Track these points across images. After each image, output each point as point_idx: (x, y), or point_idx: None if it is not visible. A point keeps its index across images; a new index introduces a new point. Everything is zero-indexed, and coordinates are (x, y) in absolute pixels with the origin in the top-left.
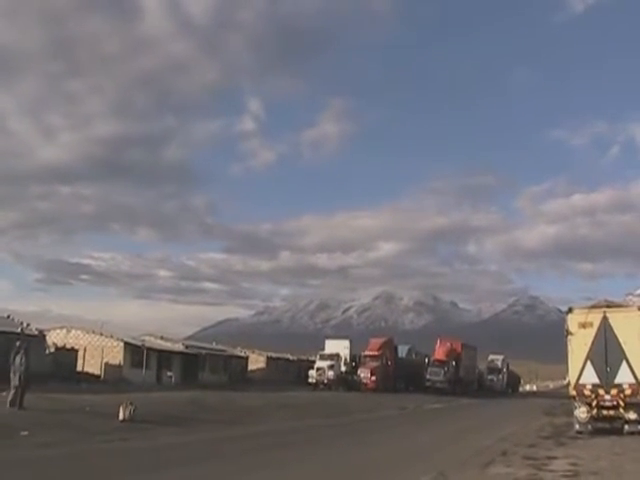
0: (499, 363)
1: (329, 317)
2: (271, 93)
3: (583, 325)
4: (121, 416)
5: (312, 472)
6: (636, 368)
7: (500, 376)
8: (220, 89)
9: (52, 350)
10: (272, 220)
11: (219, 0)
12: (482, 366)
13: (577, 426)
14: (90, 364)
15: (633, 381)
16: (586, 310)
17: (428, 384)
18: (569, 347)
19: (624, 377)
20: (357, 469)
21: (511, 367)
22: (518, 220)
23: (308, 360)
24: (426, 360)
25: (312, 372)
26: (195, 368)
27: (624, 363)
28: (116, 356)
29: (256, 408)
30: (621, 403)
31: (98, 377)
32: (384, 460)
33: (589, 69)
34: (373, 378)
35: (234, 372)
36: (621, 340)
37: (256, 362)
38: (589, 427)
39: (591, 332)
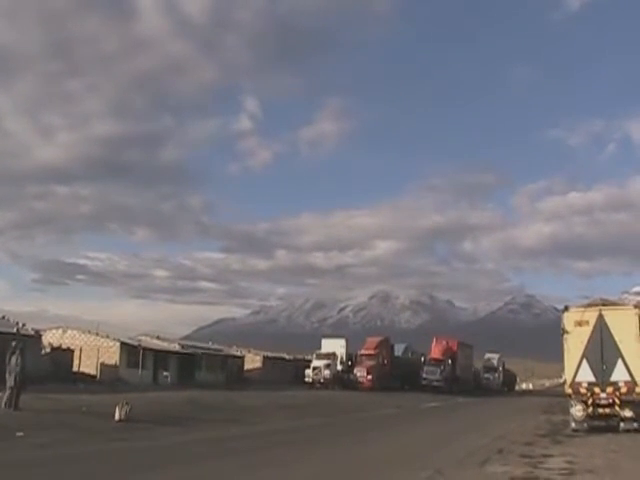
0: (495, 362)
1: (325, 316)
2: (268, 92)
3: (579, 323)
4: (117, 416)
5: (312, 470)
6: (632, 366)
7: (496, 375)
8: (217, 88)
9: (48, 350)
10: (269, 219)
11: None
12: (478, 365)
13: (573, 424)
14: (86, 364)
15: (629, 379)
16: (582, 308)
17: (424, 383)
18: (565, 345)
19: (620, 375)
20: (357, 467)
21: (507, 366)
22: (515, 218)
23: (304, 359)
24: (422, 359)
25: (308, 371)
26: (192, 368)
27: (620, 361)
28: (112, 356)
29: (254, 407)
30: (617, 401)
31: (94, 377)
32: (383, 458)
33: (586, 67)
34: (369, 377)
35: (231, 372)
36: (617, 338)
37: (252, 362)
38: (585, 425)
39: (587, 330)
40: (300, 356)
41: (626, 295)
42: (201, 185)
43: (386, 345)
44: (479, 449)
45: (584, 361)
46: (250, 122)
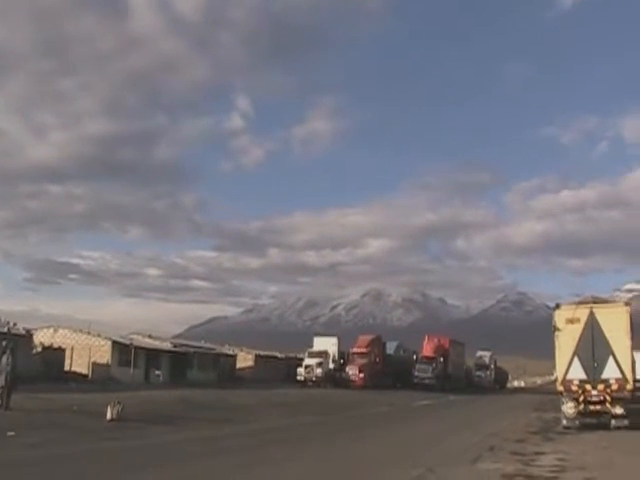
0: (487, 359)
1: (318, 314)
2: (261, 90)
3: (570, 321)
4: (109, 415)
5: (306, 468)
6: (623, 363)
7: (488, 372)
8: (210, 86)
9: (39, 350)
10: (262, 217)
11: None
12: (470, 362)
13: (565, 421)
14: (78, 363)
15: (620, 376)
16: (573, 306)
17: (416, 381)
18: (556, 343)
19: (611, 372)
20: (349, 465)
21: (499, 363)
22: (508, 216)
23: (296, 358)
24: (414, 357)
25: (300, 370)
26: (184, 367)
27: (611, 358)
28: (104, 355)
29: (246, 406)
30: (608, 398)
31: (86, 376)
32: (375, 456)
33: (579, 65)
34: (361, 375)
35: (223, 370)
36: (608, 336)
37: (245, 360)
38: (576, 422)
39: (578, 328)
40: (292, 354)
41: (618, 293)
42: (194, 183)
43: (378, 343)
44: (471, 447)
45: (575, 358)
46: (242, 120)
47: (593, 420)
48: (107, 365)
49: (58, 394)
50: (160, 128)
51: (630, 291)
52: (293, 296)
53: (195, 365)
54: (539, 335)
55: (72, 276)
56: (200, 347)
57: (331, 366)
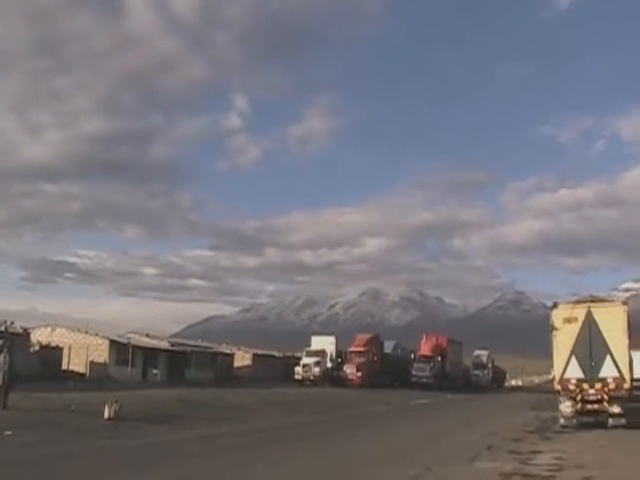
0: (484, 358)
1: (315, 313)
2: (257, 89)
3: (568, 320)
4: (106, 414)
5: (304, 467)
6: (620, 362)
7: (486, 371)
8: (207, 86)
9: (37, 349)
10: (259, 217)
11: None
12: (468, 361)
13: (562, 420)
14: (75, 362)
15: (617, 375)
16: (571, 305)
17: (414, 380)
18: (554, 342)
19: (608, 371)
20: (347, 464)
21: (497, 362)
22: (505, 215)
23: (294, 357)
24: (412, 356)
25: (298, 369)
26: (181, 365)
27: (608, 357)
28: (101, 354)
29: (244, 405)
30: (605, 397)
31: (83, 375)
32: (372, 455)
33: (575, 64)
34: (359, 374)
35: (220, 369)
36: (605, 335)
37: (242, 359)
38: (574, 421)
39: (576, 327)
40: (290, 353)
41: (615, 292)
42: (190, 182)
43: (376, 342)
44: (468, 446)
45: (573, 358)
46: (239, 119)
47: (590, 419)
48: (104, 364)
49: (55, 393)
50: (156, 127)
51: (628, 290)
52: (291, 295)
53: (192, 364)
54: (537, 334)
55: (68, 275)
56: (197, 346)
57: (329, 365)
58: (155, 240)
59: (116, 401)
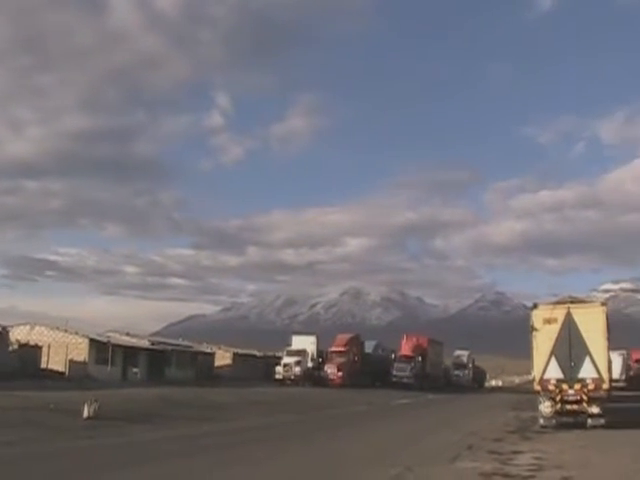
0: (465, 358)
1: (296, 313)
2: (241, 88)
3: (548, 321)
4: (85, 413)
5: (285, 467)
6: (599, 363)
7: (466, 371)
8: (190, 84)
9: (15, 347)
10: (241, 215)
11: None
12: (448, 362)
13: (542, 420)
14: (54, 361)
15: (596, 376)
16: (551, 306)
17: (395, 380)
18: (534, 343)
19: (587, 372)
20: (328, 464)
21: (477, 362)
22: (487, 215)
23: (275, 356)
24: (393, 356)
25: (279, 368)
26: (161, 364)
27: (587, 358)
28: (81, 353)
29: (225, 404)
30: (584, 398)
31: (62, 374)
32: (353, 455)
33: (557, 66)
34: (340, 374)
35: (201, 368)
36: (585, 335)
37: (223, 358)
38: (553, 421)
39: (555, 328)
40: (271, 353)
41: (595, 293)
42: (173, 181)
43: (356, 342)
44: (449, 446)
45: (552, 358)
46: (222, 118)
47: (570, 419)
48: (84, 363)
49: (34, 392)
50: (140, 125)
51: (607, 291)
52: (272, 294)
53: (173, 363)
54: (517, 335)
55: (49, 273)
56: (178, 345)
57: (310, 365)
58: (137, 238)
59: (95, 400)
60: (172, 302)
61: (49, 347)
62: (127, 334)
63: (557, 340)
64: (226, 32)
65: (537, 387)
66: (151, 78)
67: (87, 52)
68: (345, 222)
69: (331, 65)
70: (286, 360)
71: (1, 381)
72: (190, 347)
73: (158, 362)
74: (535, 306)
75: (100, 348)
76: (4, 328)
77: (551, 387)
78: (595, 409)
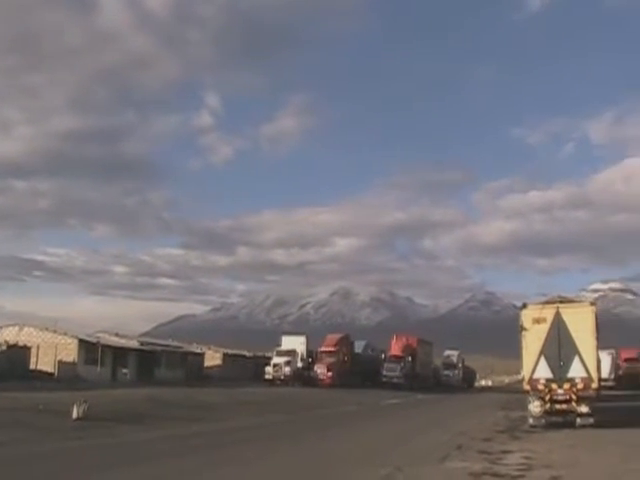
0: (455, 358)
1: (286, 313)
2: (231, 88)
3: (537, 321)
4: (75, 414)
5: (276, 467)
6: (588, 363)
7: (456, 371)
8: (180, 84)
9: (4, 348)
10: (231, 216)
11: None
12: (438, 362)
13: (531, 420)
14: (44, 362)
15: (585, 375)
16: (540, 306)
17: (384, 380)
18: (523, 342)
19: (576, 372)
20: (318, 464)
21: (467, 362)
22: (476, 216)
23: (265, 356)
24: (382, 356)
25: (269, 368)
26: (151, 365)
27: (576, 358)
28: (70, 353)
29: (215, 405)
30: (573, 397)
31: (51, 375)
32: (343, 455)
33: (546, 66)
34: (329, 374)
35: (190, 369)
36: (574, 335)
37: (212, 359)
38: (543, 421)
39: (545, 327)
40: (260, 353)
41: (584, 292)
42: (162, 181)
43: (346, 342)
44: (439, 445)
45: (542, 358)
46: (212, 118)
47: (559, 419)
48: (73, 363)
49: (23, 393)
50: (129, 124)
51: (596, 291)
52: (262, 294)
53: (163, 363)
54: (506, 334)
55: (37, 273)
56: (168, 345)
57: (299, 365)
58: (126, 238)
59: (85, 401)
60: (161, 302)
61: (38, 348)
62: (116, 334)
63: (546, 340)
64: (216, 32)
65: (526, 387)
66: (141, 78)
67: (76, 52)
68: (335, 222)
69: (321, 65)
70: (276, 360)
71: None
72: (180, 347)
73: (148, 362)
74: (524, 306)
75: (89, 349)
76: None
77: (540, 387)
78: (584, 408)
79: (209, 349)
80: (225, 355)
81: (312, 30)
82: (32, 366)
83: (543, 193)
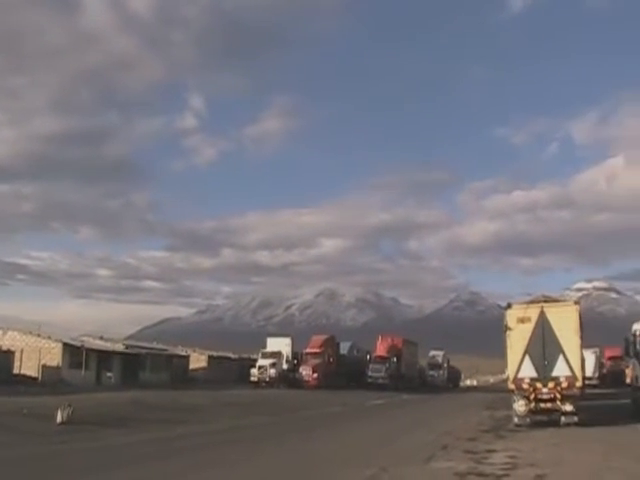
0: (440, 359)
1: (271, 315)
2: (214, 89)
3: (521, 320)
4: (59, 418)
5: (261, 469)
6: (572, 361)
7: (441, 371)
8: (163, 85)
9: None
10: (215, 217)
11: None
12: (423, 362)
13: (516, 419)
14: (27, 366)
15: (569, 374)
16: (524, 305)
17: (370, 380)
18: (508, 342)
19: (561, 370)
20: (302, 465)
21: (452, 362)
22: (461, 216)
23: (250, 358)
24: (368, 357)
25: (254, 370)
26: (136, 368)
27: (561, 356)
28: (54, 357)
29: (200, 407)
30: (558, 396)
31: (35, 379)
32: (328, 456)
33: (529, 67)
34: (315, 375)
35: (176, 372)
36: (558, 334)
37: (198, 361)
38: (527, 420)
39: (529, 327)
40: (245, 355)
41: (568, 291)
42: (146, 183)
43: (332, 343)
44: (424, 445)
45: (526, 357)
46: (195, 119)
47: (544, 417)
48: (58, 367)
49: (7, 397)
50: (112, 126)
51: (580, 290)
52: (246, 296)
53: (147, 366)
54: (491, 334)
55: (20, 277)
56: (152, 348)
57: (285, 367)
58: (110, 241)
59: (69, 405)
60: (146, 305)
61: (22, 352)
62: (101, 338)
63: (531, 339)
64: (199, 33)
65: (511, 386)
66: (124, 79)
67: (59, 53)
68: (320, 223)
69: (306, 66)
70: (261, 362)
71: None
72: (165, 350)
73: (132, 366)
74: (509, 306)
75: (74, 352)
76: None
77: (525, 386)
78: (568, 407)
79: (194, 351)
80: (210, 357)
81: (297, 30)
82: (16, 370)
83: (527, 193)
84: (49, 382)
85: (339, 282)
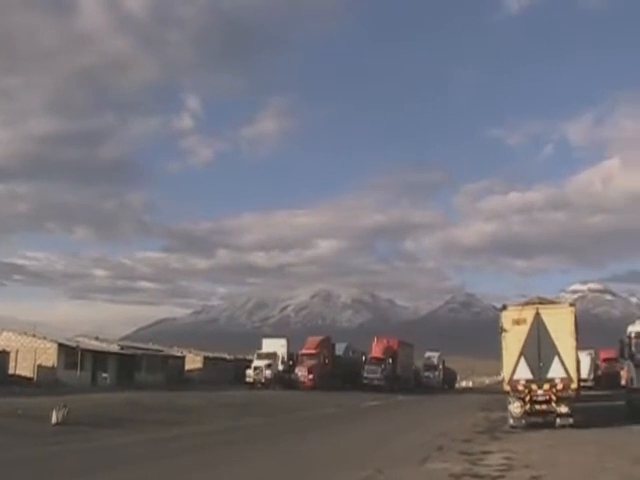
0: (435, 360)
1: (267, 316)
2: (211, 90)
3: (517, 322)
4: (54, 419)
5: (255, 470)
6: (568, 363)
7: (437, 373)
8: (159, 86)
9: None
10: (211, 218)
11: None
12: (419, 363)
13: (511, 421)
14: (23, 367)
15: (565, 376)
16: (520, 307)
17: (365, 382)
18: (503, 343)
19: (556, 372)
20: (297, 467)
21: (447, 364)
22: (456, 217)
23: (245, 359)
24: (363, 358)
25: (249, 371)
26: (131, 369)
27: (556, 358)
28: (50, 358)
29: (195, 408)
30: (553, 397)
31: (30, 380)
32: (323, 458)
33: (525, 68)
34: (310, 376)
35: (171, 372)
36: (553, 336)
37: (193, 362)
38: (523, 421)
39: (524, 329)
40: (241, 356)
41: (563, 293)
42: (142, 183)
43: (327, 344)
44: (419, 447)
45: (522, 359)
46: (192, 120)
47: (539, 419)
48: (53, 368)
49: (2, 398)
50: (108, 127)
51: (575, 292)
52: (242, 297)
53: (143, 367)
54: (487, 336)
55: (17, 277)
56: (148, 349)
57: (280, 367)
58: (106, 241)
59: (64, 405)
60: (142, 306)
61: (17, 352)
62: (96, 338)
63: (526, 341)
64: (195, 34)
65: (506, 387)
66: (119, 80)
67: (54, 54)
68: (315, 224)
69: (302, 67)
70: (257, 363)
71: None
72: (160, 351)
73: (128, 366)
74: (504, 307)
75: (69, 353)
76: None
77: (520, 387)
78: (564, 409)
79: (190, 352)
80: (206, 358)
81: (293, 31)
82: (11, 371)
83: (522, 194)
84: (44, 383)
85: (335, 283)
